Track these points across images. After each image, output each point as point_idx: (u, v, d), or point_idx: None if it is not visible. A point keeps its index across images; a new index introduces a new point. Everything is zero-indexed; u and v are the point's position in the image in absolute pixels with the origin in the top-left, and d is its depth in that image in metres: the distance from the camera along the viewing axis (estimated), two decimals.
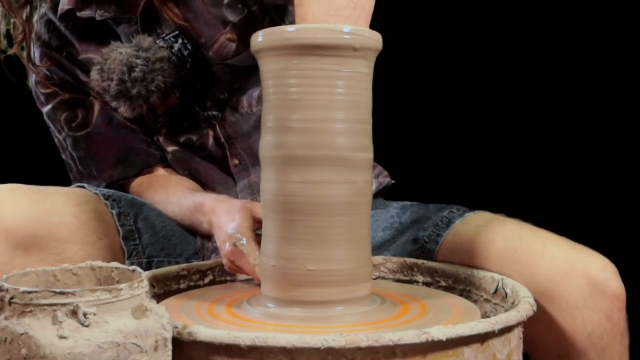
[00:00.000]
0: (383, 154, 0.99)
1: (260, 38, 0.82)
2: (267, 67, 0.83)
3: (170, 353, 0.67)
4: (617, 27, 1.78)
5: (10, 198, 0.99)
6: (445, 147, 1.88)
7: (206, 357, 0.70)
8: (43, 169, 1.47)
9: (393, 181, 1.30)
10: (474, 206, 1.11)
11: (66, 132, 1.24)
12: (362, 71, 0.82)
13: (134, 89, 1.10)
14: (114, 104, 1.14)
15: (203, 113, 1.20)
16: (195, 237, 1.16)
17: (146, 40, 1.12)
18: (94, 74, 1.12)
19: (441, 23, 1.84)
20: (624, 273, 0.96)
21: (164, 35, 1.15)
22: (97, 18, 1.17)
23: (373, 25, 0.84)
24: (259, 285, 0.90)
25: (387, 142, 1.11)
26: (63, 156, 1.28)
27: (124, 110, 1.13)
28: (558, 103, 1.84)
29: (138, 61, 1.09)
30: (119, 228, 1.10)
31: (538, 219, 1.05)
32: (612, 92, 1.80)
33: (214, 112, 1.20)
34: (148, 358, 0.64)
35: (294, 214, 0.81)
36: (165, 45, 1.14)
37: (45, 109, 1.25)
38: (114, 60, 1.10)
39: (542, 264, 0.95)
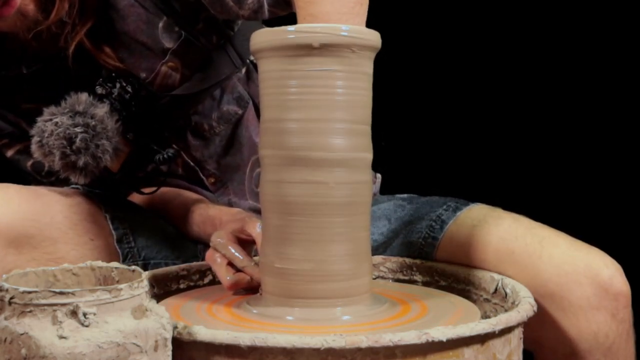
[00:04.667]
0: (383, 153, 0.99)
1: (260, 38, 0.82)
2: (266, 67, 0.82)
3: (170, 353, 0.67)
4: (617, 27, 1.79)
5: (1, 197, 0.99)
6: (445, 139, 1.89)
7: (206, 357, 0.70)
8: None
9: (379, 175, 1.28)
10: (472, 197, 1.11)
11: (38, 180, 1.18)
12: (362, 71, 0.82)
13: (80, 161, 1.00)
14: (63, 176, 1.04)
15: (160, 157, 1.11)
16: (194, 242, 1.15)
17: (81, 100, 1.02)
18: (35, 148, 1.02)
19: (440, 23, 1.85)
20: (629, 271, 0.96)
21: (100, 81, 1.08)
22: (25, 71, 1.10)
23: (373, 25, 0.84)
24: (256, 288, 0.90)
25: (387, 142, 1.11)
26: None
27: (75, 180, 1.04)
28: (558, 97, 1.84)
29: (77, 130, 0.99)
30: (113, 231, 1.09)
31: (538, 212, 1.04)
32: (612, 77, 1.81)
33: (170, 154, 1.11)
34: (148, 358, 0.64)
35: (293, 214, 0.81)
36: (104, 92, 1.07)
37: (8, 156, 1.19)
38: (51, 134, 1.00)
39: (541, 265, 0.94)
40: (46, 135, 1.00)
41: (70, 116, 1.00)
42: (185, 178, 1.22)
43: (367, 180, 0.84)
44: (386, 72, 0.97)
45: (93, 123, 1.01)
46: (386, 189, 1.27)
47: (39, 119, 1.02)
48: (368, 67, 0.83)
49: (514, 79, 1.83)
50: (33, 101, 1.11)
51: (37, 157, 1.03)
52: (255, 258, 0.94)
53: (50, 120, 1.01)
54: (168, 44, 1.11)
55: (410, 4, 1.79)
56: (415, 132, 1.88)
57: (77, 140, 1.00)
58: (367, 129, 0.84)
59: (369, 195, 0.85)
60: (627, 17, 1.78)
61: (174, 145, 1.16)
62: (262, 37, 0.82)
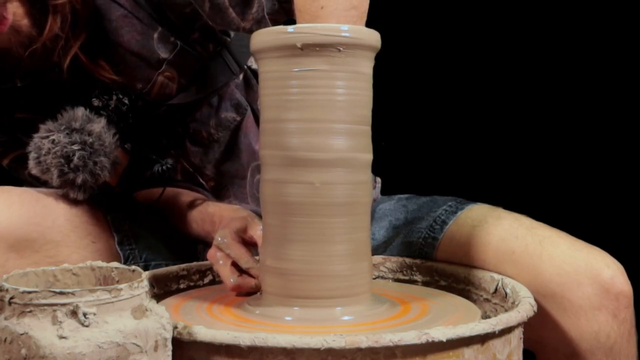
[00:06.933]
0: (383, 153, 0.99)
1: (259, 38, 0.82)
2: (266, 67, 0.82)
3: (170, 353, 0.67)
4: (617, 27, 1.79)
5: (2, 201, 0.99)
6: (445, 139, 1.89)
7: (206, 357, 0.70)
8: None
9: (379, 179, 1.28)
10: (472, 197, 1.10)
11: (36, 185, 1.13)
12: (362, 71, 0.82)
13: (78, 178, 1.00)
14: (61, 193, 1.04)
15: (159, 167, 1.12)
16: (194, 242, 1.15)
17: (77, 116, 1.01)
18: (32, 165, 1.02)
19: (442, 23, 1.85)
20: (631, 270, 0.96)
21: (96, 93, 1.08)
22: (19, 84, 1.09)
23: (373, 25, 0.84)
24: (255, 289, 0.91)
25: (387, 142, 1.11)
26: None
27: (74, 196, 1.03)
28: (558, 97, 1.84)
29: (74, 147, 0.99)
30: (114, 234, 1.09)
31: (539, 211, 1.04)
32: (611, 75, 1.81)
33: (169, 165, 1.12)
34: (148, 358, 0.64)
35: (293, 215, 0.80)
36: (100, 105, 1.07)
37: (4, 164, 1.18)
38: (48, 151, 0.99)
39: (542, 265, 0.94)
40: (43, 152, 1.00)
41: (67, 133, 1.00)
42: (185, 181, 1.21)
43: (367, 181, 0.84)
44: (386, 72, 0.97)
45: (90, 140, 1.01)
46: (386, 189, 1.27)
47: (35, 135, 1.01)
48: (368, 67, 0.83)
49: (514, 79, 1.83)
50: (28, 111, 1.11)
51: (35, 173, 1.02)
52: (257, 258, 0.93)
53: (47, 137, 1.00)
54: (163, 54, 1.10)
55: (410, 4, 1.79)
56: (415, 132, 1.88)
57: (75, 158, 1.00)
58: (367, 129, 0.84)
59: (368, 195, 0.85)
60: (627, 17, 1.77)
61: (172, 152, 1.16)
62: (262, 37, 0.81)
